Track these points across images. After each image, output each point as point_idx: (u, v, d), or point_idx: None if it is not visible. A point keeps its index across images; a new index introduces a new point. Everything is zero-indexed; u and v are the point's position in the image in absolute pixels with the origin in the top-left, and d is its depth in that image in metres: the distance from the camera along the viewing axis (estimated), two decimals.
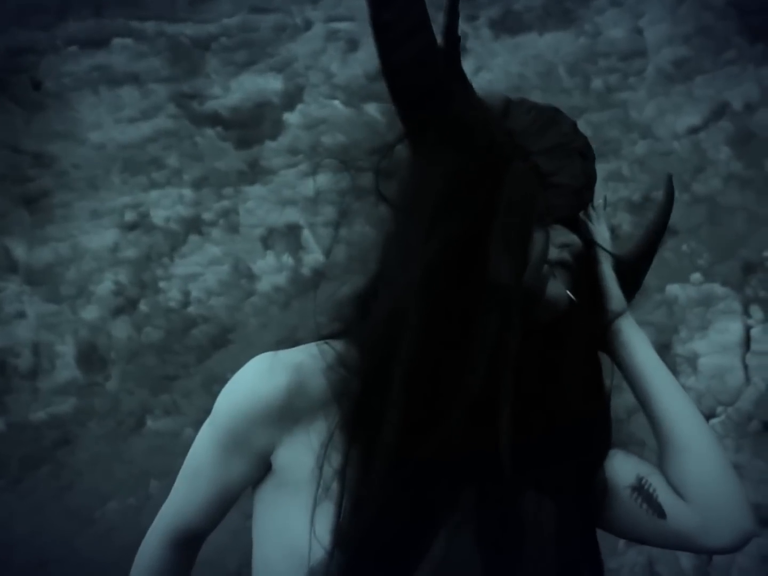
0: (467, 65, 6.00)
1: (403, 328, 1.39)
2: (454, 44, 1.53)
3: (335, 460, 1.43)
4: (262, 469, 1.51)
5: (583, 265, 1.51)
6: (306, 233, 5.42)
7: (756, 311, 4.74)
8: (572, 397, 1.49)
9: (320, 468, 1.43)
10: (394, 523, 1.40)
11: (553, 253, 1.45)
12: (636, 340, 1.58)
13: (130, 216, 5.55)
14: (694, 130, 5.66)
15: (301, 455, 1.46)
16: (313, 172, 5.31)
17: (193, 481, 1.57)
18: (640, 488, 1.52)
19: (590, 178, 1.50)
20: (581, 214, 1.56)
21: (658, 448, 1.57)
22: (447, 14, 1.54)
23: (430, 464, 1.39)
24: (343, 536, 1.40)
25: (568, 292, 1.47)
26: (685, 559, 3.66)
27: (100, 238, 5.45)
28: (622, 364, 1.59)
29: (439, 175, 1.44)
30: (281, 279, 5.23)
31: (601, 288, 1.58)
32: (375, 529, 1.40)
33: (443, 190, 1.42)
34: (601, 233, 1.61)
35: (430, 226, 1.41)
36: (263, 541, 1.53)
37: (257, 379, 1.47)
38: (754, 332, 4.54)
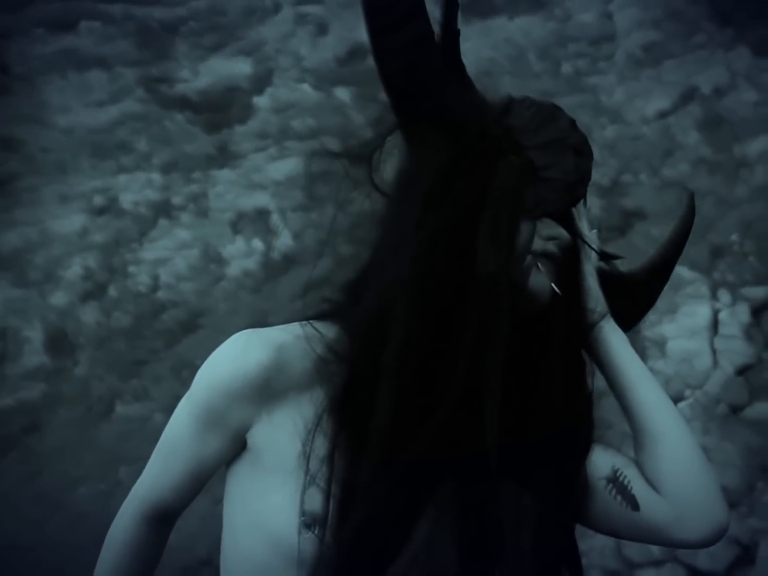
0: None
1: (393, 316, 1.39)
2: (452, 36, 1.54)
3: (321, 445, 1.43)
4: (237, 446, 1.51)
5: (570, 261, 1.51)
6: (275, 217, 5.41)
7: (724, 295, 4.76)
8: (555, 396, 1.49)
9: (307, 453, 1.43)
10: (380, 516, 1.41)
11: (538, 245, 1.45)
12: (614, 338, 1.58)
13: (98, 200, 5.53)
14: (663, 115, 5.68)
15: (278, 435, 1.46)
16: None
17: (168, 456, 1.56)
18: (614, 480, 1.52)
19: (583, 174, 1.50)
20: (572, 210, 1.57)
21: (633, 440, 1.58)
22: (444, 4, 1.54)
23: (419, 457, 1.40)
24: (334, 528, 1.41)
25: (553, 285, 1.46)
26: None
27: (69, 222, 5.42)
28: (600, 359, 1.59)
29: (431, 165, 1.44)
30: (251, 263, 5.22)
31: (582, 286, 1.57)
32: (366, 522, 1.40)
33: (434, 180, 1.43)
34: (585, 231, 1.62)
35: (421, 214, 1.42)
36: (234, 521, 1.53)
37: (237, 355, 1.47)
38: (722, 316, 4.57)
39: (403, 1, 1.50)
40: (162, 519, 1.62)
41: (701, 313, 4.59)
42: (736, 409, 4.35)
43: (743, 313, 4.50)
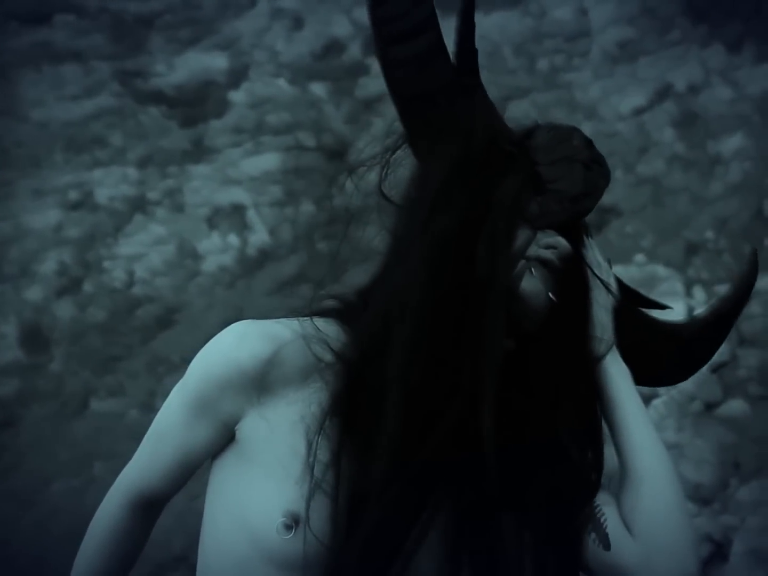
0: None
1: (400, 321, 1.40)
2: (469, 54, 1.57)
3: (321, 448, 1.43)
4: (226, 437, 1.50)
5: (571, 274, 1.52)
6: (251, 213, 5.40)
7: (698, 292, 4.79)
8: (561, 414, 1.50)
9: (312, 457, 1.42)
10: (388, 522, 1.41)
11: (533, 250, 1.46)
12: (614, 370, 1.58)
13: (73, 195, 5.51)
14: (638, 112, 5.70)
15: (267, 430, 1.45)
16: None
17: (158, 442, 1.56)
18: (592, 515, 1.52)
19: (590, 188, 1.51)
20: (586, 239, 1.59)
21: (619, 477, 1.57)
22: (461, 21, 1.55)
23: (425, 465, 1.40)
24: (342, 534, 1.41)
25: (550, 294, 1.47)
26: None
27: (43, 217, 5.40)
28: (598, 390, 1.58)
29: (436, 174, 1.46)
30: (226, 259, 5.21)
31: (586, 309, 1.57)
32: (376, 528, 1.40)
33: (439, 188, 1.45)
34: (598, 261, 1.62)
35: (426, 220, 1.44)
36: (215, 514, 1.52)
37: (233, 345, 1.46)
38: (696, 313, 4.57)
39: (415, 13, 1.52)
40: (148, 506, 1.61)
41: (676, 310, 4.60)
42: (709, 407, 4.37)
43: None
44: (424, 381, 1.40)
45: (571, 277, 1.51)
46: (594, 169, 1.52)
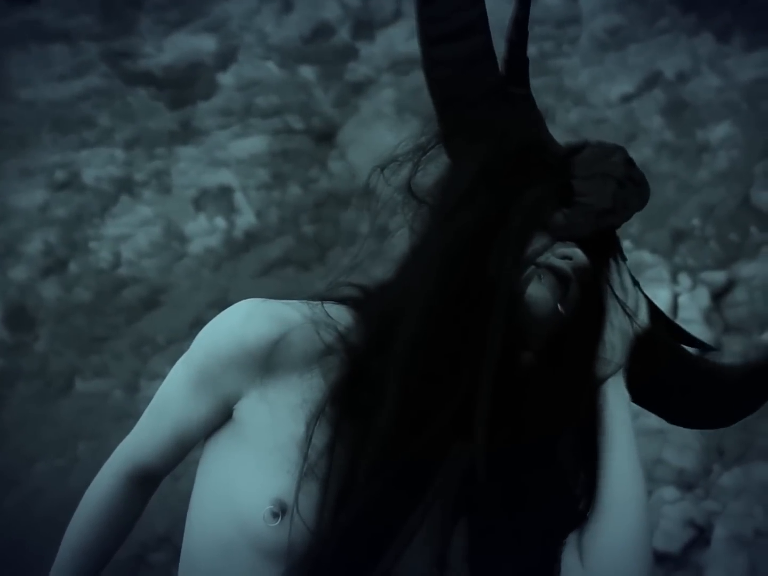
0: (401, 31, 5.99)
1: (406, 317, 1.40)
2: (520, 63, 1.56)
3: (319, 433, 1.42)
4: (223, 416, 1.50)
5: (586, 290, 1.49)
6: (238, 195, 5.40)
7: (684, 279, 4.80)
8: (557, 430, 1.48)
9: (308, 440, 1.41)
10: (374, 512, 1.40)
11: (546, 257, 1.45)
12: (612, 393, 1.54)
13: (60, 175, 5.49)
14: (627, 99, 5.70)
15: (265, 412, 1.45)
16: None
17: (157, 415, 1.56)
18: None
19: (618, 205, 1.48)
20: (615, 260, 1.56)
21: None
22: (514, 29, 1.56)
23: (415, 462, 1.40)
24: (328, 519, 1.40)
25: (558, 305, 1.45)
26: None
27: (30, 197, 5.38)
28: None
29: (463, 174, 1.46)
30: (213, 241, 5.20)
31: (598, 326, 1.53)
32: (360, 515, 1.40)
33: (465, 188, 1.45)
34: (624, 285, 1.58)
35: (446, 219, 1.44)
36: (204, 493, 1.52)
37: (239, 323, 1.46)
38: (681, 300, 4.60)
39: (464, 14, 1.51)
40: (142, 480, 1.61)
41: (661, 296, 4.61)
42: None
43: (703, 297, 4.53)
44: (423, 378, 1.39)
45: (585, 292, 1.48)
46: (627, 187, 1.49)
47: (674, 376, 1.63)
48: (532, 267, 1.44)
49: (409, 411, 1.39)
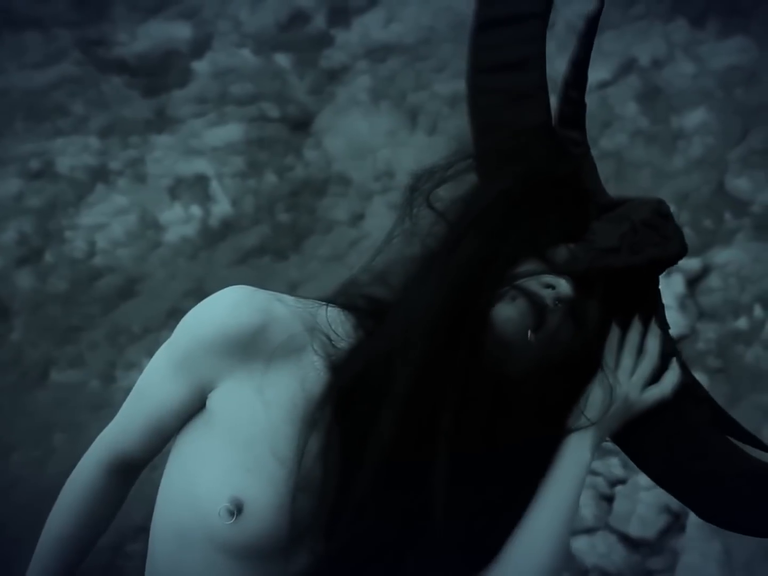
0: (376, 18, 5.96)
1: (411, 335, 1.39)
2: (576, 106, 1.54)
3: (291, 437, 1.42)
4: (198, 403, 1.49)
5: (567, 325, 1.44)
6: (214, 184, 5.38)
7: None
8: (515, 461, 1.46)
9: (302, 446, 1.41)
10: (370, 522, 1.41)
11: (526, 281, 1.41)
12: (571, 450, 1.49)
13: (34, 164, 5.46)
14: (602, 85, 5.71)
15: (237, 404, 1.44)
16: None
17: (137, 401, 1.56)
18: None
19: (625, 246, 1.44)
20: (643, 322, 1.52)
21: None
22: (573, 71, 1.56)
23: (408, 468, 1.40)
24: (323, 530, 1.40)
25: (530, 332, 1.39)
26: (585, 508, 3.74)
27: (4, 186, 5.35)
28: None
29: (483, 198, 1.45)
30: (189, 230, 5.18)
31: (584, 385, 1.50)
32: (359, 527, 1.40)
33: (480, 213, 1.43)
34: (643, 348, 1.54)
35: (457, 241, 1.42)
36: (171, 478, 1.52)
37: (225, 311, 1.45)
38: None
39: (523, 46, 1.52)
40: (123, 469, 1.61)
41: None
42: None
43: (678, 283, 4.54)
44: (424, 390, 1.38)
45: (576, 331, 1.44)
46: (642, 232, 1.44)
47: (704, 464, 1.53)
48: (507, 288, 1.40)
49: (409, 422, 1.38)
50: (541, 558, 1.45)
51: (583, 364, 1.48)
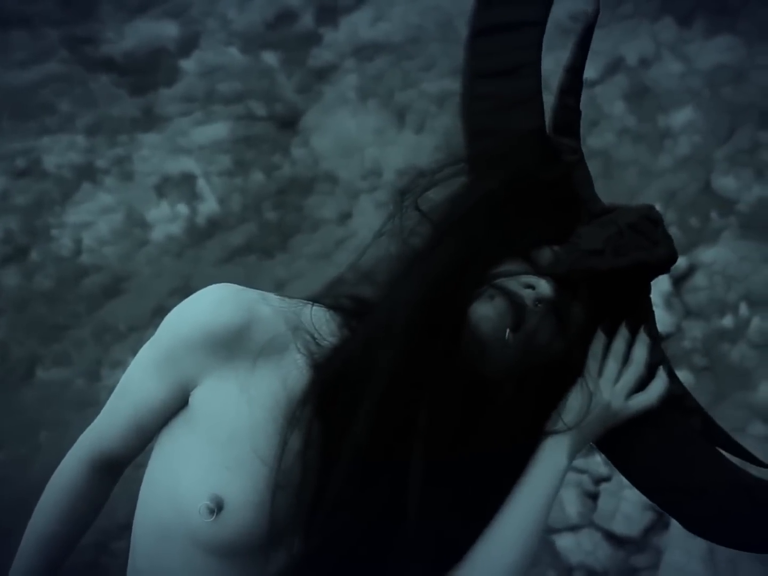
0: (364, 17, 5.96)
1: (391, 326, 1.39)
2: (571, 113, 1.53)
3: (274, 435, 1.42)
4: (179, 401, 1.49)
5: (548, 327, 1.43)
6: (201, 182, 5.38)
7: None
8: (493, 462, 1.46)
9: (284, 442, 1.40)
10: (347, 519, 1.40)
11: (506, 281, 1.41)
12: (545, 455, 1.49)
13: (20, 162, 5.45)
14: (590, 84, 5.71)
15: (219, 402, 1.44)
16: None
17: (120, 398, 1.56)
18: None
19: (609, 249, 1.43)
20: (631, 330, 1.51)
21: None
22: (568, 78, 1.54)
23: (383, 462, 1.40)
24: (302, 528, 1.40)
25: (507, 332, 1.38)
26: (570, 506, 3.74)
27: None
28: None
29: (469, 198, 1.45)
30: (175, 228, 5.18)
31: (564, 390, 1.49)
32: (337, 525, 1.40)
33: (465, 213, 1.43)
34: (631, 358, 1.53)
35: (438, 239, 1.43)
36: (152, 475, 1.52)
37: (208, 309, 1.45)
38: None
39: (519, 53, 1.52)
40: (107, 467, 1.61)
41: None
42: None
43: (664, 282, 4.55)
44: (402, 389, 1.37)
45: (551, 334, 1.43)
46: (627, 236, 1.43)
47: (690, 475, 1.52)
48: (486, 286, 1.40)
49: (385, 420, 1.38)
50: (507, 559, 1.46)
51: (563, 368, 1.47)
